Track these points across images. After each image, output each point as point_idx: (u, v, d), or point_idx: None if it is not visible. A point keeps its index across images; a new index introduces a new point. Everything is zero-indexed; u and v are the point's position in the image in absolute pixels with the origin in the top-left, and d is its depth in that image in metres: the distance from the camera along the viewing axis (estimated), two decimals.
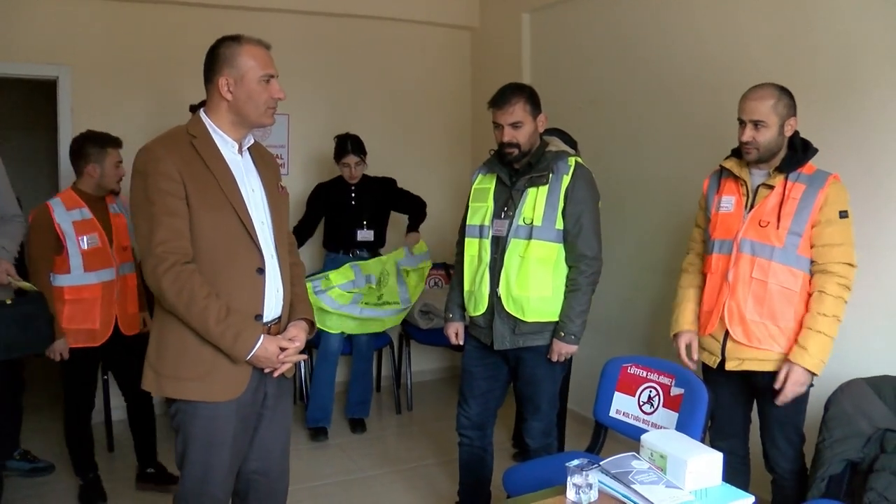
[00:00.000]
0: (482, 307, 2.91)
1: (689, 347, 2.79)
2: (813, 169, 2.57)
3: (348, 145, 4.34)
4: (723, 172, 2.75)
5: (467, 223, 3.01)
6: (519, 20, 4.96)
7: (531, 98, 2.85)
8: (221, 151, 2.14)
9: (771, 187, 2.58)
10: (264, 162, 2.30)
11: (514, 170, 2.90)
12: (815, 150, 2.59)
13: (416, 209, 4.58)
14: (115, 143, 3.45)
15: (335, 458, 4.08)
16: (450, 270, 5.29)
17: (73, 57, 4.38)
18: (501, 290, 2.85)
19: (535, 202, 2.81)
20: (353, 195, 4.43)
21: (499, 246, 2.87)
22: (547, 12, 4.80)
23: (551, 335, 2.87)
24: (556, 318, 2.86)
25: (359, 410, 4.54)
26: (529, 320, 2.84)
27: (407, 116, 5.39)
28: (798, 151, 2.58)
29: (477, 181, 3.04)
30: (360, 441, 4.36)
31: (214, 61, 2.11)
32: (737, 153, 2.69)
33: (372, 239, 4.47)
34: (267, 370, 2.16)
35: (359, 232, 4.42)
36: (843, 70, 2.99)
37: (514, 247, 2.83)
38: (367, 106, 5.20)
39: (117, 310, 3.43)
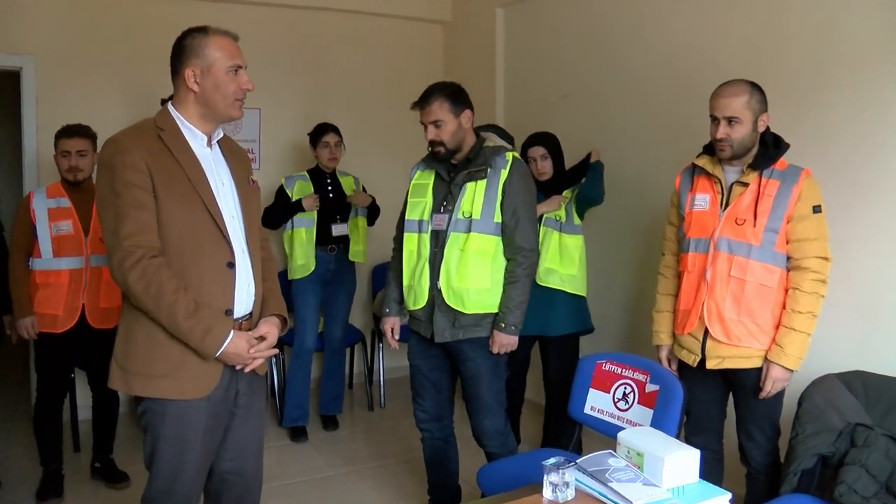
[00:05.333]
0: (422, 301, 2.94)
1: (670, 360, 2.87)
2: (785, 165, 2.58)
3: (328, 126, 4.30)
4: (695, 169, 2.75)
5: (406, 218, 3.04)
6: (493, 14, 4.95)
7: (451, 96, 2.88)
8: (190, 144, 2.09)
9: (745, 184, 2.58)
10: (234, 155, 2.26)
11: (453, 165, 2.95)
12: (787, 146, 2.60)
13: (372, 211, 4.55)
14: (63, 132, 3.44)
15: (307, 456, 4.05)
16: None
17: (36, 47, 4.28)
18: (442, 283, 2.87)
19: (473, 196, 2.85)
20: (329, 188, 4.35)
21: (438, 240, 2.91)
22: (520, 7, 4.79)
23: (491, 326, 2.90)
24: (495, 310, 2.90)
25: (331, 407, 4.51)
26: (469, 312, 2.87)
27: (379, 111, 5.34)
28: (770, 147, 2.59)
29: (415, 177, 3.07)
30: (333, 438, 4.33)
31: (181, 53, 2.07)
32: (708, 150, 2.69)
33: (346, 233, 4.39)
34: (238, 367, 2.11)
35: (334, 227, 4.32)
36: (816, 65, 3.01)
37: (454, 240, 2.86)
38: (339, 100, 5.15)
39: (86, 300, 3.42)
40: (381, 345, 4.98)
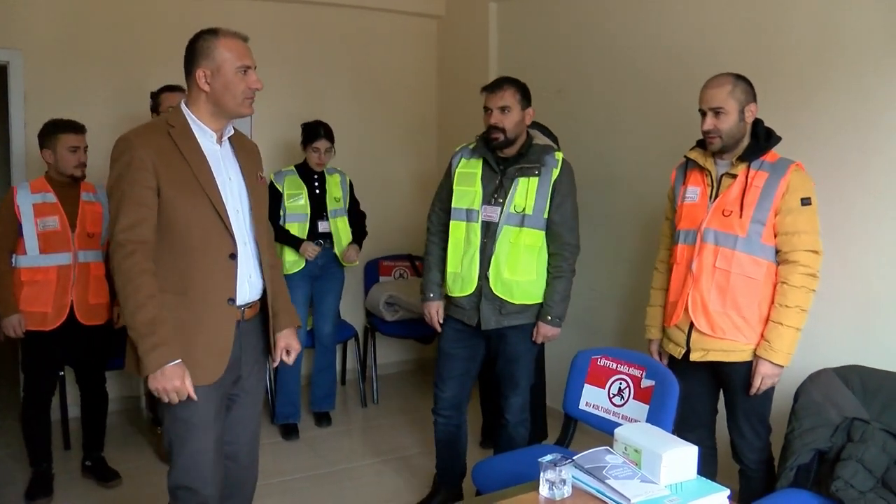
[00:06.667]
0: (469, 288, 3.01)
1: (661, 355, 2.86)
2: (776, 157, 2.58)
3: (321, 130, 4.25)
4: (688, 163, 2.75)
5: (453, 206, 3.07)
6: (486, 9, 4.91)
7: (522, 89, 3.01)
8: (199, 141, 2.19)
9: (734, 176, 2.58)
10: (245, 151, 2.36)
11: (503, 157, 3.01)
12: (779, 139, 2.60)
13: (360, 221, 4.49)
14: (69, 128, 3.39)
15: (301, 453, 4.02)
16: (415, 262, 5.24)
17: (24, 40, 4.21)
18: (491, 274, 2.96)
19: (526, 192, 2.95)
20: (316, 184, 4.33)
21: (489, 231, 2.97)
22: (514, 1, 4.75)
23: (536, 316, 3.02)
24: (539, 300, 3.02)
25: (324, 404, 4.48)
26: (517, 302, 2.98)
27: (372, 105, 5.31)
28: (761, 140, 2.59)
29: (461, 165, 3.11)
30: (326, 435, 4.31)
31: (193, 54, 2.17)
32: (701, 144, 2.69)
33: (329, 230, 4.34)
34: (153, 390, 2.08)
35: (320, 223, 4.29)
36: (816, 61, 2.98)
37: (506, 233, 2.95)
38: (332, 94, 5.11)
39: (74, 296, 3.39)
40: (373, 340, 4.97)
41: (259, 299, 2.33)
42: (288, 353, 2.44)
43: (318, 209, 4.30)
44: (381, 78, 5.34)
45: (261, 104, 4.77)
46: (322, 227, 4.30)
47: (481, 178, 3.02)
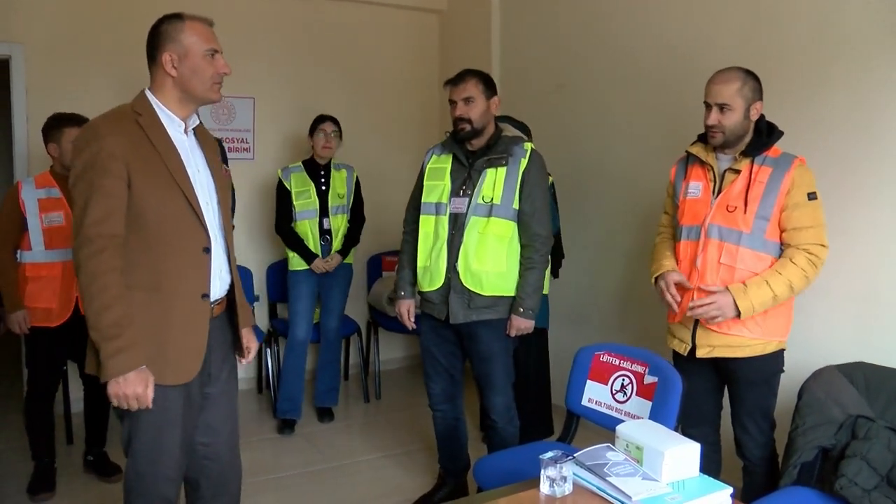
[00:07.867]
0: (438, 282, 2.99)
1: (675, 284, 2.64)
2: (779, 152, 2.56)
3: (327, 116, 4.27)
4: (689, 158, 2.73)
5: (423, 200, 3.08)
6: (488, 3, 4.90)
7: (485, 80, 3.02)
8: (167, 130, 2.11)
9: (737, 171, 2.56)
10: (208, 143, 2.29)
11: (471, 151, 3.02)
12: (781, 133, 2.58)
13: (355, 228, 4.45)
14: (73, 121, 3.36)
15: (302, 449, 4.02)
16: None
17: (25, 35, 4.21)
18: (460, 265, 2.94)
19: (494, 182, 2.93)
20: (322, 179, 4.32)
21: (457, 223, 2.97)
22: None
23: (508, 310, 2.99)
24: (510, 293, 2.98)
25: (327, 399, 4.48)
26: (486, 294, 2.95)
27: (374, 100, 5.30)
28: (763, 135, 2.57)
29: (431, 161, 3.12)
30: (328, 430, 4.30)
31: (157, 39, 2.10)
32: (703, 138, 2.67)
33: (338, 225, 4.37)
34: (112, 395, 2.00)
35: (324, 220, 4.30)
36: (816, 56, 2.97)
37: (474, 224, 2.93)
38: (334, 90, 5.11)
39: (78, 292, 3.34)
40: (376, 336, 4.96)
41: (226, 295, 2.27)
42: (248, 350, 2.38)
43: (324, 206, 4.31)
44: (383, 73, 5.33)
45: (262, 99, 4.84)
46: (326, 224, 4.31)
47: (450, 173, 3.02)
